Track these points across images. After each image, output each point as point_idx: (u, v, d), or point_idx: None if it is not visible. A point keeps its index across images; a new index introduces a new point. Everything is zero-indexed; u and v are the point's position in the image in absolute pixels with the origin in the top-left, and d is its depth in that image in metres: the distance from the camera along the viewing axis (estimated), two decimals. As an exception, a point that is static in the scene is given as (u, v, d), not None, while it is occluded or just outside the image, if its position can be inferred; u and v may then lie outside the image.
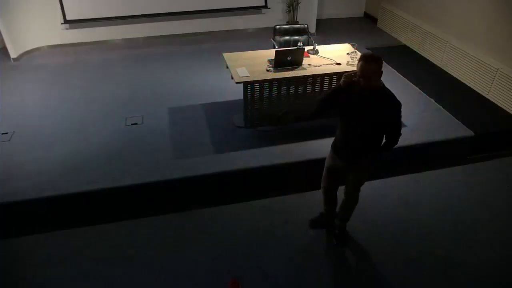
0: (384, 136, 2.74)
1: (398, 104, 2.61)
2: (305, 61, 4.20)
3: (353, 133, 2.74)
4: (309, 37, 4.93)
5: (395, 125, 2.67)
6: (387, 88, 2.64)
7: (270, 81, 4.02)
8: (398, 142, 2.75)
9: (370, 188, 3.81)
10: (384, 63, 6.12)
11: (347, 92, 2.63)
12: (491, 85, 4.91)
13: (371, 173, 3.07)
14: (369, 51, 2.58)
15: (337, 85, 2.67)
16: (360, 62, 2.45)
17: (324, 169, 3.08)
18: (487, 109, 4.79)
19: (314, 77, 4.11)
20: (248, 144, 4.08)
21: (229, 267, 3.06)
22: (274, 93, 4.14)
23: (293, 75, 4.01)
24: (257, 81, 3.96)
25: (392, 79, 5.39)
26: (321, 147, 4.03)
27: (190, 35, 6.91)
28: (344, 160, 2.89)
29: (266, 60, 4.24)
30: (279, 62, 4.05)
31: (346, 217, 3.25)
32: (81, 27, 6.41)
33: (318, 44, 4.58)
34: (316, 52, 4.44)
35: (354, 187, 3.02)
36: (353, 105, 2.64)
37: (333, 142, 2.96)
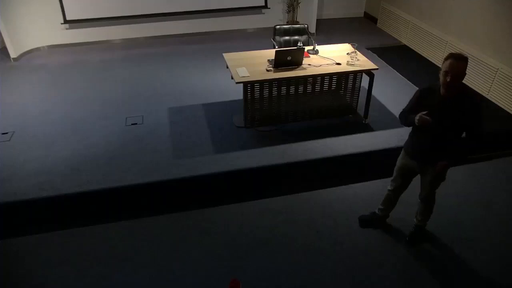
0: (465, 136, 2.69)
1: (479, 103, 2.59)
2: (305, 61, 4.20)
3: (432, 141, 2.71)
4: (309, 37, 4.93)
5: (478, 126, 2.62)
6: (467, 88, 2.62)
7: (270, 81, 4.03)
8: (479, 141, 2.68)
9: (370, 188, 3.82)
10: (384, 63, 6.15)
11: (430, 95, 2.67)
12: (491, 85, 4.91)
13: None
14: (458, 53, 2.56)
15: (416, 122, 2.62)
16: (449, 60, 2.45)
17: (395, 169, 3.10)
18: (487, 109, 4.79)
19: (314, 77, 4.12)
20: (248, 144, 4.08)
21: (229, 267, 3.06)
22: (274, 93, 4.14)
23: (293, 75, 4.01)
24: (257, 81, 3.97)
25: (392, 79, 5.39)
26: (321, 147, 4.04)
27: (190, 35, 6.91)
28: (419, 162, 2.87)
29: (266, 60, 4.24)
30: (279, 62, 4.05)
31: (426, 219, 3.22)
32: (81, 27, 6.42)
33: (318, 44, 4.58)
34: (316, 52, 4.44)
35: (431, 188, 2.97)
36: (435, 113, 2.58)
37: (405, 146, 2.98)
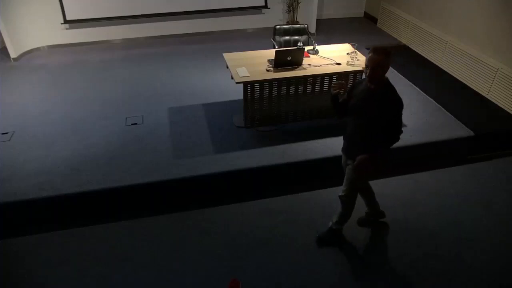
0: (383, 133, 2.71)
1: (399, 103, 2.61)
2: (305, 61, 4.20)
3: (353, 128, 2.79)
4: (309, 37, 4.93)
5: (393, 124, 2.66)
6: (391, 86, 2.66)
7: (270, 81, 4.02)
8: (398, 141, 2.72)
9: (370, 188, 3.82)
10: (384, 63, 6.00)
11: (354, 90, 2.77)
12: (491, 85, 4.91)
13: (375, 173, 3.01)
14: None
15: (331, 94, 2.79)
16: (369, 54, 2.55)
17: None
18: (487, 109, 4.79)
19: (314, 77, 4.11)
20: (248, 144, 4.08)
21: (229, 267, 3.06)
22: (274, 93, 4.14)
23: (293, 75, 4.01)
24: (257, 81, 3.96)
25: (392, 79, 5.36)
26: (321, 147, 4.04)
27: (190, 35, 6.91)
28: (346, 155, 2.93)
29: (266, 60, 4.24)
30: (279, 62, 4.05)
31: (340, 221, 3.16)
32: (81, 27, 6.42)
33: (318, 44, 4.58)
34: (316, 52, 4.44)
35: (348, 183, 2.95)
36: (356, 99, 2.72)
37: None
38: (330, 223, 3.21)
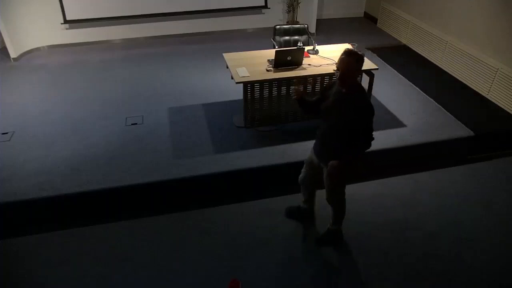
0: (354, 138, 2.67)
1: (369, 109, 2.56)
2: (305, 61, 4.20)
3: (324, 130, 2.77)
4: (309, 37, 4.93)
5: (363, 131, 2.60)
6: (364, 92, 2.63)
7: (270, 81, 4.02)
8: (369, 147, 2.64)
9: (369, 189, 3.82)
10: (384, 63, 6.13)
11: (327, 91, 2.74)
12: (491, 85, 4.91)
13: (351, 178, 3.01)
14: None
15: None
16: (340, 56, 2.51)
17: (305, 161, 3.12)
18: (487, 109, 4.79)
19: (314, 77, 4.11)
20: (248, 144, 4.08)
21: (229, 267, 3.06)
22: (274, 93, 4.14)
23: (293, 75, 4.01)
24: (257, 81, 3.96)
25: (392, 79, 5.39)
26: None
27: (190, 35, 6.91)
28: (316, 155, 2.90)
29: (266, 60, 4.24)
30: (279, 62, 4.05)
31: (336, 222, 3.18)
32: (81, 27, 6.42)
33: (318, 44, 4.58)
34: (316, 52, 4.44)
35: (327, 188, 2.95)
36: (328, 101, 2.69)
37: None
38: (328, 226, 3.22)
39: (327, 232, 3.23)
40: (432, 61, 5.97)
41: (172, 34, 6.85)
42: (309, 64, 4.18)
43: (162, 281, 2.95)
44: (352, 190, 3.80)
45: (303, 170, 3.15)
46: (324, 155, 2.80)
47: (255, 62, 4.20)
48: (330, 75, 4.16)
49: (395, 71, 5.60)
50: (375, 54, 6.09)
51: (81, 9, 6.19)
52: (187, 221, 3.48)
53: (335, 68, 2.56)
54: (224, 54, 4.38)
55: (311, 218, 3.44)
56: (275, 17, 7.09)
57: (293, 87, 2.77)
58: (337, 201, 3.03)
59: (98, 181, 3.58)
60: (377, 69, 4.19)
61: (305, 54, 4.24)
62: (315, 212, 3.46)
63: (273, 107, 4.24)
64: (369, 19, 7.79)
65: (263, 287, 2.91)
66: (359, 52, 2.54)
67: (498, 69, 4.78)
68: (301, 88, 2.67)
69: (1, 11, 5.63)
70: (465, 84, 5.32)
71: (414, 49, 6.39)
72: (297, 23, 6.93)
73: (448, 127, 4.36)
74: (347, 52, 2.50)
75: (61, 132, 4.29)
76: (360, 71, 2.52)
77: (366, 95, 2.63)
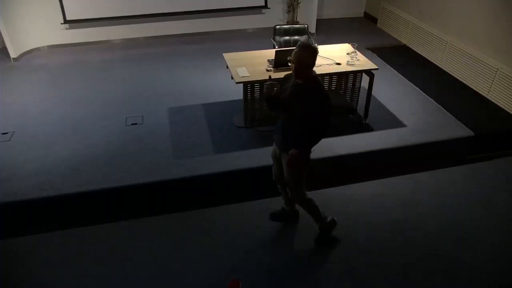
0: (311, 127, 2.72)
1: (326, 96, 2.62)
2: (305, 61, 4.19)
3: (283, 120, 2.81)
4: (309, 37, 4.93)
5: (321, 117, 2.65)
6: (319, 80, 2.68)
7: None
8: (326, 136, 2.73)
9: (369, 188, 3.82)
10: (384, 63, 6.13)
11: (289, 79, 2.78)
12: (491, 85, 4.91)
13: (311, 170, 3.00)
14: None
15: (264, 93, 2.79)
16: (295, 49, 2.56)
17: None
18: (487, 109, 4.79)
19: (314, 77, 4.11)
20: (248, 144, 4.08)
21: (229, 267, 3.06)
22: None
23: (293, 75, 4.00)
24: (257, 81, 3.97)
25: (392, 79, 5.39)
26: (321, 147, 4.03)
27: (190, 35, 6.92)
28: (279, 148, 2.92)
29: (266, 60, 4.24)
30: (279, 62, 4.05)
31: (315, 219, 3.17)
32: (81, 27, 6.42)
33: (318, 44, 4.56)
34: (316, 52, 4.44)
35: (288, 182, 2.97)
36: (286, 93, 2.74)
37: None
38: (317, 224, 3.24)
39: (321, 231, 3.25)
40: (432, 61, 5.97)
41: (172, 34, 6.85)
42: (309, 64, 4.17)
43: (162, 281, 2.95)
44: (352, 190, 3.81)
45: (272, 166, 3.17)
46: (285, 146, 2.83)
47: (255, 62, 4.20)
48: (330, 75, 4.16)
49: (395, 71, 5.60)
50: (375, 54, 6.09)
51: (81, 9, 6.20)
52: (187, 221, 3.48)
53: (290, 62, 2.62)
54: (224, 54, 4.38)
55: (296, 217, 3.42)
56: (275, 17, 7.10)
57: (267, 83, 2.73)
58: (302, 201, 3.06)
59: (98, 181, 3.58)
60: (377, 69, 4.19)
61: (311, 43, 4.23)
62: (300, 210, 3.45)
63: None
64: (369, 19, 7.79)
65: (263, 287, 2.91)
66: (312, 45, 2.61)
67: (498, 69, 4.78)
68: (275, 82, 2.70)
69: (1, 11, 5.63)
70: (465, 84, 5.32)
71: (414, 49, 6.39)
72: (297, 23, 6.93)
73: (448, 127, 4.36)
74: (301, 46, 2.56)
75: (61, 132, 4.29)
76: (315, 63, 2.57)
77: (321, 85, 2.69)
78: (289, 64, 2.66)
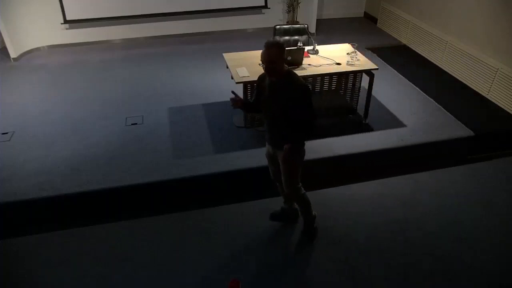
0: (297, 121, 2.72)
1: (303, 87, 2.61)
2: (305, 61, 4.20)
3: (268, 120, 2.81)
4: (309, 37, 4.93)
5: (303, 109, 2.64)
6: (293, 73, 2.67)
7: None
8: (314, 126, 2.72)
9: (369, 188, 3.82)
10: (384, 63, 6.13)
11: (261, 84, 2.78)
12: (491, 85, 4.91)
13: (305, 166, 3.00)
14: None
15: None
16: (263, 50, 2.54)
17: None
18: (487, 109, 4.79)
19: (314, 77, 4.12)
20: (248, 144, 4.08)
21: (229, 267, 3.06)
22: (274, 93, 4.14)
23: (293, 75, 4.00)
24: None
25: (392, 79, 5.39)
26: (321, 147, 4.04)
27: (190, 35, 6.92)
28: (271, 146, 2.93)
29: (266, 60, 4.24)
30: (279, 62, 4.04)
31: (304, 215, 3.21)
32: (81, 27, 6.42)
33: (318, 44, 4.58)
34: (316, 52, 4.44)
35: (283, 180, 2.98)
36: (265, 93, 2.74)
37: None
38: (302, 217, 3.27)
39: (306, 225, 3.27)
40: (432, 61, 5.97)
41: (172, 34, 6.85)
42: (309, 64, 4.18)
43: (162, 281, 2.95)
44: (352, 190, 3.81)
45: (268, 166, 3.18)
46: (277, 143, 2.84)
47: (255, 62, 4.20)
48: (330, 75, 4.17)
49: (395, 71, 5.60)
50: (375, 54, 6.09)
51: (81, 9, 6.20)
52: (187, 221, 3.48)
53: (260, 62, 2.61)
54: (224, 54, 4.38)
55: (296, 217, 3.42)
56: (275, 17, 7.10)
57: (231, 98, 2.81)
58: (297, 195, 3.05)
59: (98, 181, 3.58)
60: (377, 69, 4.19)
61: (305, 54, 4.24)
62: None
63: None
64: (369, 19, 7.79)
65: (263, 287, 2.91)
66: (279, 41, 2.60)
67: (498, 69, 4.78)
68: (238, 98, 2.77)
69: (1, 11, 5.63)
70: (465, 84, 5.32)
71: (414, 49, 6.39)
72: (297, 23, 6.93)
73: (448, 127, 4.36)
74: (267, 44, 2.53)
75: (61, 132, 4.29)
76: (284, 58, 2.59)
77: (296, 78, 2.66)
78: (259, 64, 2.68)
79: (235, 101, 2.81)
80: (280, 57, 2.54)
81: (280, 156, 2.83)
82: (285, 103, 2.61)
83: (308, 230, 3.28)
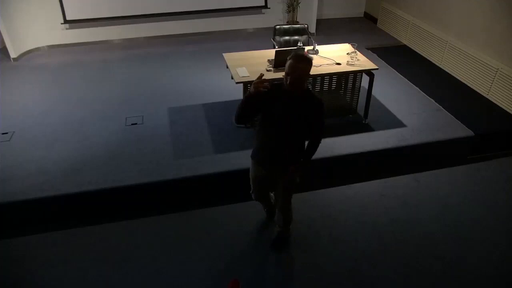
0: (309, 139, 2.69)
1: (322, 102, 2.55)
2: (305, 61, 4.19)
3: (278, 139, 2.61)
4: (309, 37, 4.93)
5: (322, 125, 2.61)
6: (309, 89, 2.61)
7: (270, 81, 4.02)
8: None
9: (369, 188, 3.82)
10: (384, 63, 6.13)
11: (270, 96, 2.44)
12: (491, 85, 4.91)
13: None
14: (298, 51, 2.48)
15: (249, 92, 2.39)
16: (290, 61, 2.36)
17: (251, 180, 2.97)
18: (487, 109, 4.79)
19: (314, 77, 4.11)
20: (248, 144, 4.08)
21: (229, 267, 3.06)
22: (274, 93, 4.14)
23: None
24: (257, 81, 3.96)
25: (392, 79, 5.39)
26: (321, 147, 4.03)
27: (190, 35, 6.91)
28: (268, 169, 2.77)
29: (266, 60, 4.24)
30: (279, 62, 4.04)
31: (287, 227, 3.19)
32: (81, 27, 6.42)
33: (318, 44, 4.57)
34: (316, 52, 4.44)
35: (284, 199, 2.93)
36: (279, 109, 2.52)
37: (252, 152, 2.83)
38: (278, 229, 3.24)
39: (281, 236, 3.24)
40: (432, 61, 5.97)
41: (172, 34, 6.85)
42: (309, 64, 4.17)
43: (162, 281, 2.95)
44: (353, 189, 3.81)
45: (253, 190, 3.06)
46: (280, 163, 2.70)
47: (255, 62, 4.20)
48: (330, 75, 4.16)
49: (395, 71, 5.60)
50: (375, 54, 6.09)
51: (81, 9, 6.19)
52: (187, 221, 3.48)
53: (284, 74, 2.41)
54: (224, 54, 4.38)
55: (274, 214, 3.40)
56: (275, 17, 7.09)
57: (258, 79, 2.34)
58: (290, 209, 3.05)
59: (98, 181, 3.58)
60: (377, 69, 4.19)
61: (305, 54, 4.23)
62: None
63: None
64: (369, 19, 7.79)
65: (263, 287, 2.91)
66: (309, 57, 2.45)
67: (498, 69, 4.78)
68: (266, 84, 2.32)
69: (1, 11, 5.63)
70: (465, 84, 5.31)
71: (414, 49, 6.39)
72: (297, 23, 6.93)
73: (448, 127, 4.36)
74: (298, 58, 2.36)
75: (61, 132, 4.29)
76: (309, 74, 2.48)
77: (312, 91, 2.60)
78: (283, 76, 2.44)
79: (261, 84, 2.31)
80: (308, 73, 2.43)
81: (283, 177, 2.73)
82: (304, 118, 2.52)
83: (281, 243, 3.23)
